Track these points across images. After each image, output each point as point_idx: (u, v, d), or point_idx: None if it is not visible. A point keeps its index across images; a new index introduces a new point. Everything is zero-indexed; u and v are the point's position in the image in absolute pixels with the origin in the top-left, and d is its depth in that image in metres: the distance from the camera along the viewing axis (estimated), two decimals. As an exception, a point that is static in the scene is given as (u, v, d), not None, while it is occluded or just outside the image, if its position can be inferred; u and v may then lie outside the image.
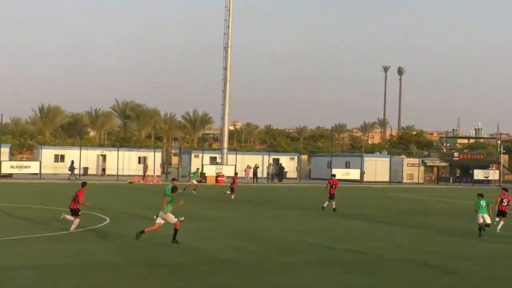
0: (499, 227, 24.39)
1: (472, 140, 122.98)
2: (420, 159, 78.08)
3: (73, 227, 20.98)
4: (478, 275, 15.69)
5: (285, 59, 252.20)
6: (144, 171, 64.23)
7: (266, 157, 71.74)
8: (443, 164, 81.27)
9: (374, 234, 23.52)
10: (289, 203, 37.93)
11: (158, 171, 67.72)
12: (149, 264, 15.73)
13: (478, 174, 75.71)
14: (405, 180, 73.72)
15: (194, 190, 43.68)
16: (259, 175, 67.28)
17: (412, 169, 74.97)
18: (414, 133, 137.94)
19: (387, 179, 71.73)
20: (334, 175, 35.98)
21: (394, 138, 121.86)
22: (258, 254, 17.85)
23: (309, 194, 48.29)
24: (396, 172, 73.36)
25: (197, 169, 53.85)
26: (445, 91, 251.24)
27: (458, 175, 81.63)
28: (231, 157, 69.29)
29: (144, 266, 15.47)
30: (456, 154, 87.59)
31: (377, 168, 73.85)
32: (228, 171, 65.17)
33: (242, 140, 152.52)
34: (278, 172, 70.75)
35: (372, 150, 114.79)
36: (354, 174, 70.33)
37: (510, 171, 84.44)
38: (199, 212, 29.57)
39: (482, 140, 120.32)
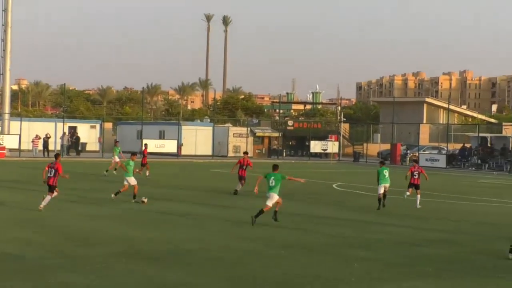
0: (418, 202, 28.22)
1: (308, 106, 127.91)
2: (249, 129, 79.88)
3: (43, 204, 23.92)
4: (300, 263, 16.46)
5: (84, 3, 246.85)
6: None
7: (60, 124, 70.10)
8: (275, 134, 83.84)
9: (191, 221, 23.77)
10: (88, 182, 37.41)
11: None
12: None
13: (315, 146, 78.86)
14: (230, 154, 75.19)
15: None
16: (51, 147, 65.71)
17: (239, 140, 76.60)
18: (242, 97, 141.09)
19: (209, 152, 72.76)
20: (246, 153, 37.07)
21: (218, 103, 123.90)
22: (48, 247, 17.50)
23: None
24: (220, 144, 74.61)
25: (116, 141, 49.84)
26: (278, 48, 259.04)
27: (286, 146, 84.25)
28: (15, 125, 66.96)
29: None
30: (290, 123, 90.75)
31: (197, 139, 74.69)
32: (11, 142, 62.99)
33: (29, 104, 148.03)
34: (74, 143, 69.59)
35: (192, 117, 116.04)
36: (170, 146, 70.68)
37: (351, 143, 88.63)
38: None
39: (320, 106, 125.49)
